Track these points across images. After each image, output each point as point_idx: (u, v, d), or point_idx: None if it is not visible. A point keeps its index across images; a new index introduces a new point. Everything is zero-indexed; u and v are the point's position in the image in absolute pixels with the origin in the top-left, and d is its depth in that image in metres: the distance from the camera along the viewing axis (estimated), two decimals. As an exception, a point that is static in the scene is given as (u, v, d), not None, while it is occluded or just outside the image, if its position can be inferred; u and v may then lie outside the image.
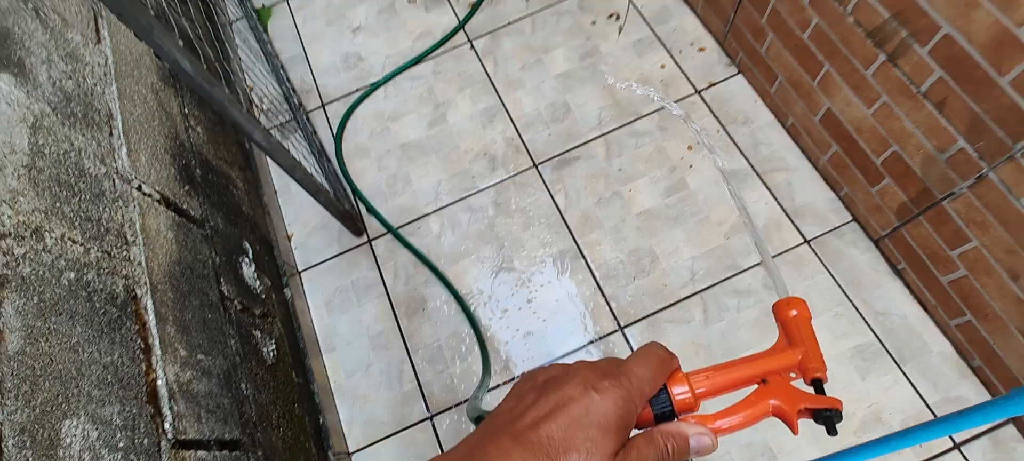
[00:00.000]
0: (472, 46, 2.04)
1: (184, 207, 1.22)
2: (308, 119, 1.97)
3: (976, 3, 1.03)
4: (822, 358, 0.43)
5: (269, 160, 1.90)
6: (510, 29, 2.05)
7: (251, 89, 2.07)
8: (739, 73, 1.85)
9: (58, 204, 0.85)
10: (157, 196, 1.13)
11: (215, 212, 1.37)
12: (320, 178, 1.57)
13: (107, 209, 0.96)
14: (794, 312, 0.46)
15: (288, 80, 2.05)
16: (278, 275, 1.59)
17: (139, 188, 1.08)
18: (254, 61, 2.10)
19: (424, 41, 2.07)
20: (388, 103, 1.98)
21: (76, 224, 0.87)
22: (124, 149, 1.09)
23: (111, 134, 1.07)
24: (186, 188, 1.28)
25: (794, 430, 0.40)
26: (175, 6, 1.64)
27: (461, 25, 2.09)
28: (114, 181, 1.01)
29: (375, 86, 1.98)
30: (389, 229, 1.76)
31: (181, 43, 0.92)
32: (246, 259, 1.43)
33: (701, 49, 1.91)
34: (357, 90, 2.01)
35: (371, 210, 1.80)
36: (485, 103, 1.93)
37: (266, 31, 2.17)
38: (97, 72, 1.12)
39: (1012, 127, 1.06)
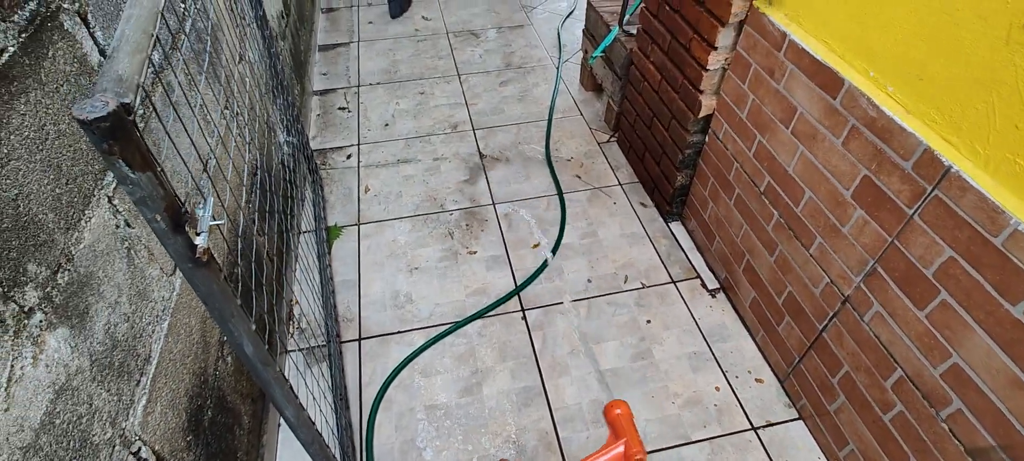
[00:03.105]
0: (524, 316, 2.01)
1: (181, 467, 1.07)
2: (340, 352, 1.88)
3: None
4: (641, 443, 0.81)
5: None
6: (565, 308, 2.03)
7: (296, 302, 2.04)
8: (800, 419, 1.72)
9: (40, 493, 0.72)
10: (152, 460, 0.99)
11: (212, 467, 1.21)
12: (332, 446, 1.41)
13: (94, 488, 0.82)
14: (618, 411, 0.87)
15: (334, 306, 2.02)
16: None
17: (137, 452, 0.95)
18: (307, 274, 2.11)
19: (477, 299, 2.06)
20: (424, 355, 1.90)
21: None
22: (144, 401, 0.99)
23: (138, 384, 0.98)
24: (189, 439, 1.14)
25: None
26: (254, 224, 1.69)
27: (517, 290, 2.09)
28: (114, 448, 0.89)
29: (413, 355, 1.89)
30: (392, 508, 1.54)
31: (252, 324, 0.87)
32: (225, 528, 1.22)
33: (759, 380, 1.81)
34: (398, 332, 1.95)
35: (379, 478, 1.60)
36: (525, 382, 1.82)
37: (329, 250, 2.22)
38: (157, 309, 1.08)
39: None
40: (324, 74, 3.25)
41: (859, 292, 1.40)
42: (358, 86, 3.14)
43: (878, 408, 1.39)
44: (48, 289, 0.80)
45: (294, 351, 1.89)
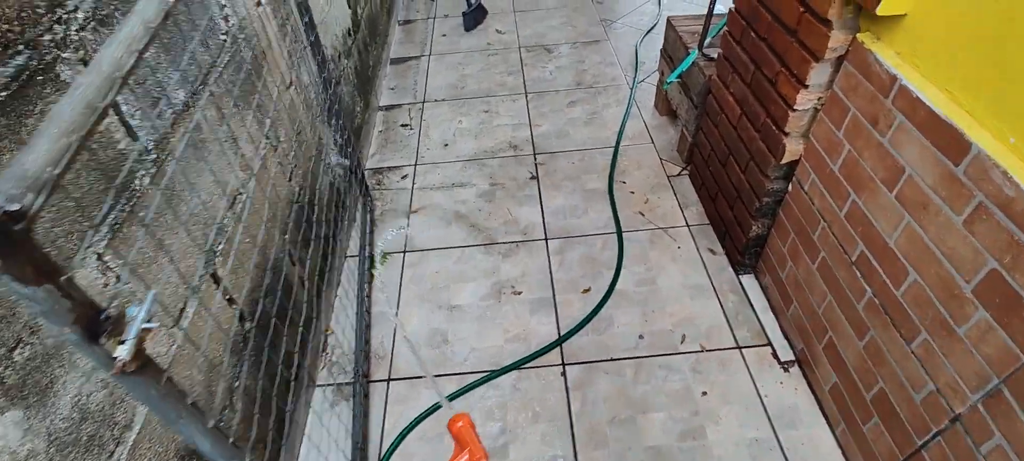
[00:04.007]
0: (564, 371, 1.83)
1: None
2: (366, 393, 1.81)
3: None
4: (484, 449, 1.36)
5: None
6: (610, 367, 1.83)
7: (329, 331, 2.00)
8: (888, 543, 1.40)
9: None
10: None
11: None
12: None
13: None
14: (460, 424, 1.40)
15: (368, 340, 1.95)
16: None
17: (104, 532, 0.89)
18: (346, 303, 2.07)
19: (517, 346, 1.91)
20: (452, 406, 1.77)
21: None
22: (116, 472, 0.93)
23: (111, 455, 0.93)
24: (179, 503, 1.08)
25: None
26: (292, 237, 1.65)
27: (560, 341, 1.91)
28: (70, 533, 0.83)
29: (439, 404, 1.77)
30: None
31: (208, 423, 0.78)
32: None
33: (839, 489, 1.52)
34: (425, 376, 1.85)
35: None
36: (556, 450, 1.64)
37: (370, 280, 2.16)
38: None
39: None
40: (392, 88, 3.24)
41: (975, 414, 1.09)
42: (423, 102, 3.09)
43: None
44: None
45: (323, 386, 1.84)
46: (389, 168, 2.68)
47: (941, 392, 1.17)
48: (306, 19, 1.78)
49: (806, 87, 1.49)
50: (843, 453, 1.56)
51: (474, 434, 1.49)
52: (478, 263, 2.19)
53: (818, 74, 1.46)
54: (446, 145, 2.78)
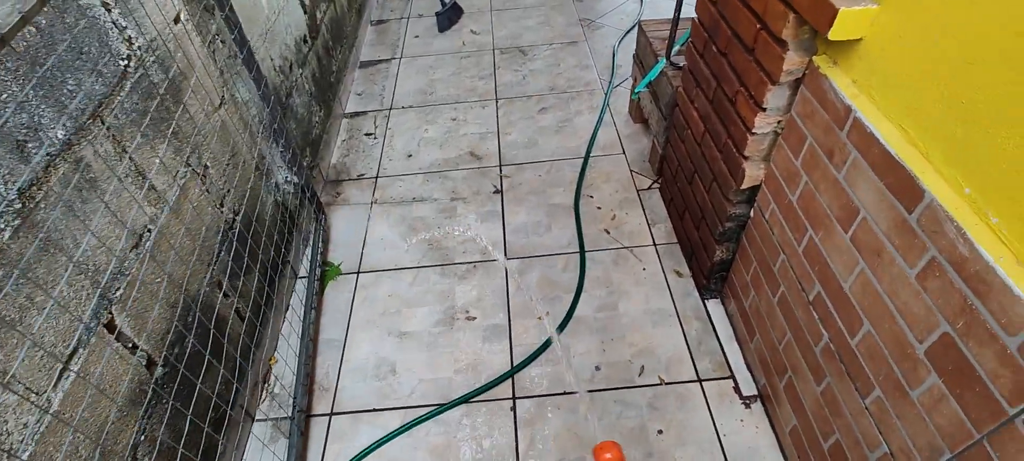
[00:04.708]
0: (514, 406, 1.73)
1: None
2: (305, 430, 1.71)
3: None
4: None
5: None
6: (563, 402, 1.72)
7: (274, 361, 1.90)
8: None
9: None
10: None
11: None
12: None
13: None
14: (608, 455, 1.34)
15: (312, 371, 1.86)
16: None
17: None
18: (293, 329, 1.97)
19: (466, 377, 1.81)
20: (395, 442, 1.68)
21: None
22: None
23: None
24: None
25: None
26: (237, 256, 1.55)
27: (511, 373, 1.81)
28: None
29: (380, 443, 1.67)
30: None
31: None
32: None
33: (795, 545, 1.41)
34: (373, 410, 1.75)
35: None
36: (502, 494, 1.55)
37: (318, 303, 2.07)
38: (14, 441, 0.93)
39: None
40: (359, 94, 3.12)
41: (929, 488, 0.98)
42: (390, 109, 2.98)
43: None
44: None
45: (262, 420, 1.75)
46: (350, 180, 2.57)
47: (894, 457, 1.07)
48: (235, 35, 1.67)
49: (764, 110, 1.37)
50: (802, 503, 1.46)
51: None
52: (433, 285, 2.09)
53: (776, 97, 1.34)
54: (410, 156, 2.67)
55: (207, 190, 1.59)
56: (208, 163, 1.61)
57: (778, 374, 1.53)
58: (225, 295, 1.64)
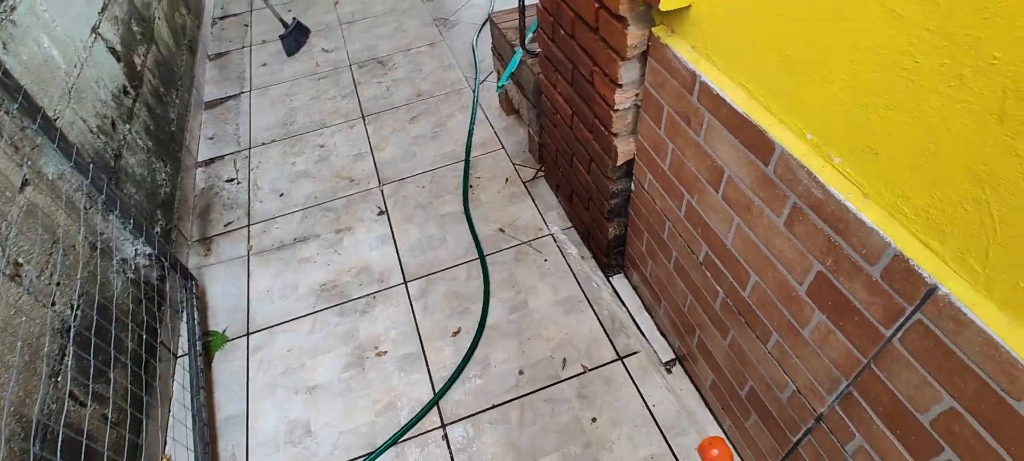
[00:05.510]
0: (445, 434, 1.65)
1: None
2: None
3: None
4: None
5: None
6: (494, 415, 1.67)
7: (167, 459, 1.67)
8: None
9: None
10: None
11: None
12: None
13: None
14: (715, 451, 1.30)
15: (214, 457, 1.66)
16: None
17: None
18: (183, 416, 1.74)
19: (389, 417, 1.70)
20: (326, 514, 1.54)
21: None
22: None
23: None
24: None
25: None
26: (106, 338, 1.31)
27: (435, 401, 1.73)
28: None
29: None
30: None
31: None
32: None
33: (732, 489, 1.48)
34: None
35: None
36: (447, 533, 1.47)
37: (209, 367, 1.84)
38: None
39: None
40: (211, 138, 2.82)
41: (835, 415, 1.05)
42: (249, 148, 2.72)
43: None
44: None
45: (163, 537, 1.53)
46: (218, 235, 2.32)
47: (801, 393, 1.13)
48: (20, 101, 1.40)
49: (620, 86, 1.38)
50: (736, 450, 1.52)
51: None
52: (334, 328, 1.94)
53: (628, 71, 1.35)
54: (281, 194, 2.46)
55: (27, 291, 1.34)
56: (20, 259, 1.35)
57: (689, 335, 1.58)
58: (81, 404, 1.40)
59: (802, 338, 1.06)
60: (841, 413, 1.03)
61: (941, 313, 0.76)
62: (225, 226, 2.35)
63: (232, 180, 2.58)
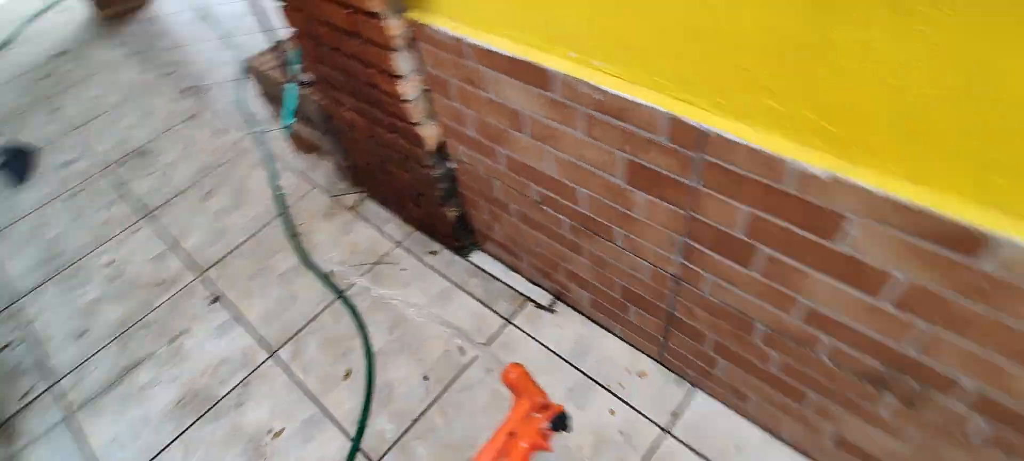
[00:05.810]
0: (377, 480, 1.60)
1: None
2: None
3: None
4: (544, 392, 1.22)
5: None
6: (418, 428, 1.64)
7: None
8: (699, 389, 1.58)
9: None
10: None
11: None
12: None
13: None
14: (514, 374, 1.23)
15: None
16: None
17: None
18: None
19: (313, 499, 1.59)
20: None
21: None
22: None
23: None
24: None
25: (547, 448, 1.12)
26: None
27: (356, 445, 1.64)
28: None
29: None
30: None
31: None
32: None
33: (642, 374, 1.65)
34: None
35: None
36: (421, 562, 1.44)
37: None
38: None
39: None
40: (-40, 323, 2.27)
41: (684, 267, 1.23)
42: (13, 301, 2.25)
43: (758, 362, 1.27)
44: None
45: None
46: (18, 413, 1.89)
47: (655, 265, 1.30)
48: None
49: (401, 77, 1.41)
50: (631, 345, 1.70)
51: (531, 381, 1.32)
52: (212, 437, 1.73)
53: (404, 62, 1.38)
54: (82, 334, 2.09)
55: None
56: None
57: (554, 271, 1.70)
58: None
59: (639, 222, 1.22)
60: (688, 263, 1.21)
61: (717, 147, 0.93)
62: (21, 400, 1.93)
63: (8, 345, 2.11)
